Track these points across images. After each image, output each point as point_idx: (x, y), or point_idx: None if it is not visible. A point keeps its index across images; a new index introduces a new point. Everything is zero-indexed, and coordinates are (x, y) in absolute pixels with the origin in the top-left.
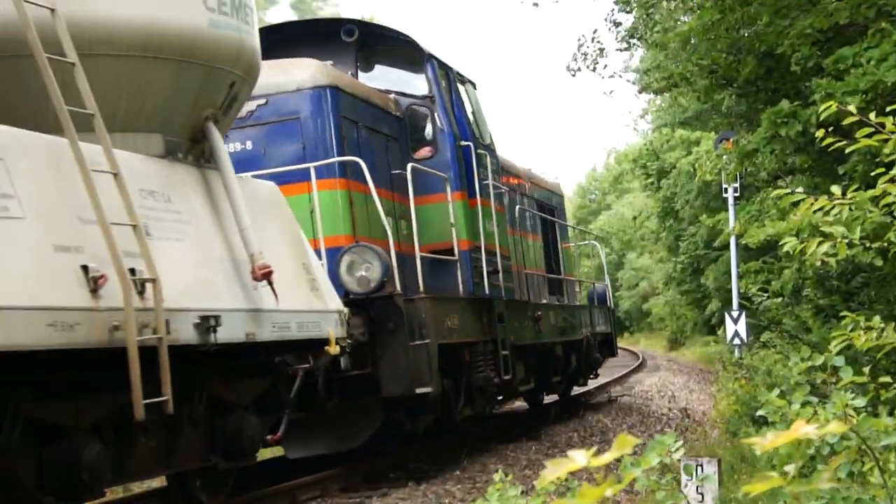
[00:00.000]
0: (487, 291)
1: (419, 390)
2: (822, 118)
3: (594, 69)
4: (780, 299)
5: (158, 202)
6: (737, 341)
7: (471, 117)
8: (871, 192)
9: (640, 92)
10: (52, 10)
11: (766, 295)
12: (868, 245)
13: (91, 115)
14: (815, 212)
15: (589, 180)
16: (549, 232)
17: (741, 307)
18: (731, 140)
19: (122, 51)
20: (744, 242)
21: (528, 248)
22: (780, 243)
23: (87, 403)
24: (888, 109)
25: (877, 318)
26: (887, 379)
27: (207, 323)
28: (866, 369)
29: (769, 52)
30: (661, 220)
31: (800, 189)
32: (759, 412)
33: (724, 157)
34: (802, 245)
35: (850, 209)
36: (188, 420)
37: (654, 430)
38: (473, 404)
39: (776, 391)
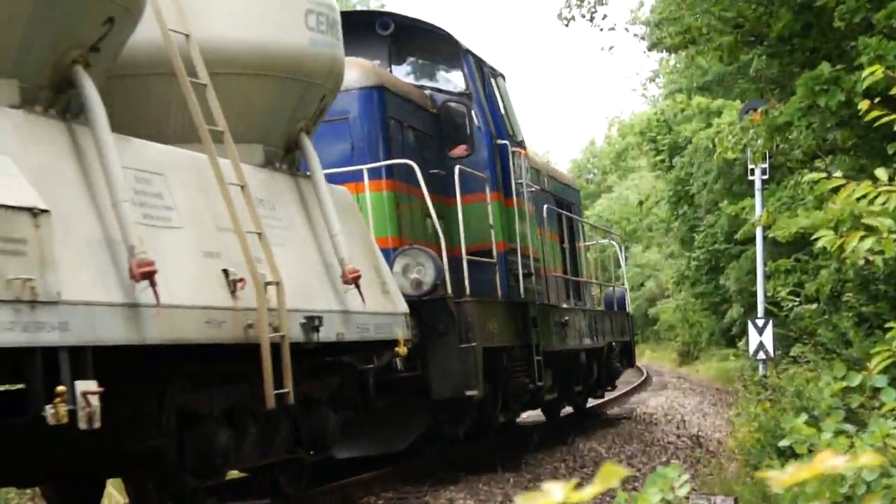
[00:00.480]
0: (523, 295)
1: (468, 393)
2: (865, 87)
3: (592, 19)
4: (814, 305)
5: (266, 210)
6: (761, 355)
7: (504, 113)
8: None
9: (649, 49)
10: (187, 36)
11: (797, 300)
12: None
13: (221, 132)
14: (857, 200)
15: (586, 156)
16: (567, 231)
17: (768, 314)
18: (760, 111)
19: (235, 69)
20: (772, 236)
21: (550, 248)
22: (814, 237)
23: (218, 393)
24: None
25: None
26: None
27: (312, 323)
28: None
29: (808, 4)
30: (672, 206)
31: (840, 172)
32: (783, 442)
33: (751, 130)
34: (842, 240)
35: None
36: (283, 413)
37: (659, 462)
38: (506, 411)
39: (804, 416)
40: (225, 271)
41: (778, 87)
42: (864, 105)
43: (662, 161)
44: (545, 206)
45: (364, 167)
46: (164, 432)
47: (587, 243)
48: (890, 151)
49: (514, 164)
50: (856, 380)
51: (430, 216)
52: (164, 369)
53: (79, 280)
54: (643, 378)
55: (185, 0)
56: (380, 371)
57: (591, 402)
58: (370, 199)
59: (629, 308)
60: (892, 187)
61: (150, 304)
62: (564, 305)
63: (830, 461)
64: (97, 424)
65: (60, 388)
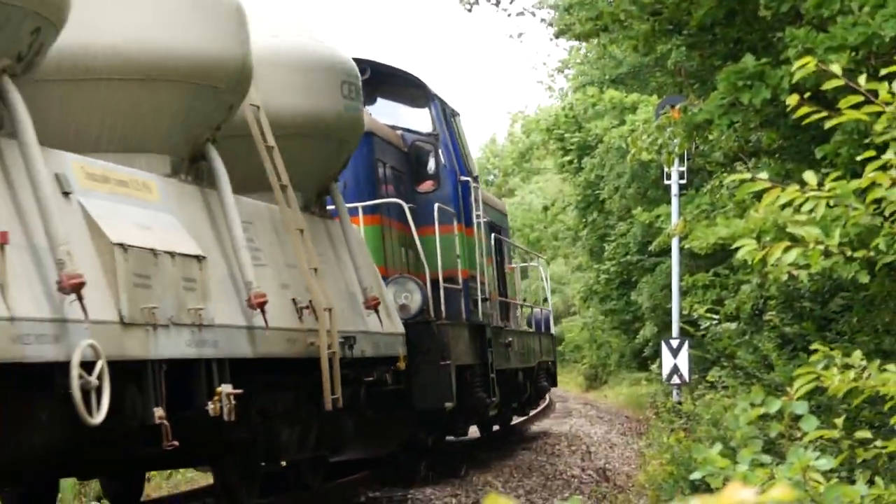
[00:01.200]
0: (481, 318)
1: (447, 405)
2: (796, 80)
3: (497, 2)
4: (734, 325)
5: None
6: (676, 380)
7: (463, 152)
8: (855, 183)
9: (557, 36)
10: (258, 107)
11: (716, 318)
12: (850, 254)
13: (286, 187)
14: (782, 207)
15: (486, 155)
16: (498, 254)
17: (683, 334)
18: (678, 107)
19: (287, 132)
20: (688, 247)
21: (489, 273)
22: (734, 247)
23: (280, 397)
24: (883, 72)
25: (857, 353)
26: (866, 434)
27: (349, 342)
28: (839, 420)
29: None
30: (581, 212)
31: (764, 175)
32: (695, 474)
33: (668, 129)
34: (764, 252)
35: (829, 205)
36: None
37: (560, 497)
38: (467, 423)
39: (718, 447)
40: (293, 300)
41: (698, 81)
42: (792, 100)
43: (570, 162)
44: (492, 235)
45: (359, 205)
46: (251, 427)
47: (514, 265)
48: (818, 155)
49: (472, 198)
50: (774, 406)
51: (406, 246)
52: (248, 377)
53: (221, 309)
54: (546, 404)
55: (256, 75)
56: (371, 384)
57: (475, 431)
58: (364, 232)
59: (553, 329)
60: (820, 193)
61: (261, 326)
62: (505, 327)
63: (740, 494)
64: (234, 418)
65: (219, 389)
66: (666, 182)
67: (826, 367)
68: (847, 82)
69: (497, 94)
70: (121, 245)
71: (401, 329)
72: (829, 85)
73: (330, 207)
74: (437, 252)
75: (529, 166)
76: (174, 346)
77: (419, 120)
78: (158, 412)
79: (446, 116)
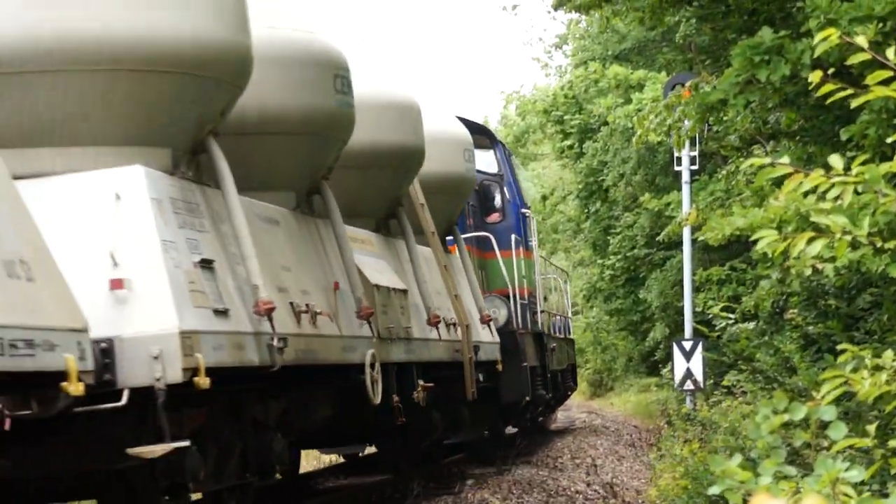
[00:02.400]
0: (541, 328)
1: (526, 398)
2: (818, 55)
3: None
4: (752, 324)
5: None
6: (689, 385)
7: (520, 187)
8: (885, 167)
9: (555, 8)
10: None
11: (732, 318)
12: (880, 245)
13: (433, 233)
14: (805, 194)
15: None
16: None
17: (697, 335)
18: (688, 85)
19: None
20: (702, 238)
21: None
22: (752, 240)
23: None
24: None
25: (888, 354)
26: None
27: (476, 350)
28: (871, 427)
29: None
30: (583, 202)
31: (785, 159)
32: (713, 489)
33: (677, 109)
34: (786, 243)
35: (857, 191)
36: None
37: None
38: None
39: (738, 458)
40: (442, 318)
41: (710, 57)
42: (815, 77)
43: (571, 147)
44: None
45: (462, 236)
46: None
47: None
48: (843, 136)
49: (530, 227)
50: (800, 412)
51: (481, 269)
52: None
53: (416, 326)
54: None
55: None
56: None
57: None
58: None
59: (572, 335)
60: (847, 179)
61: (435, 338)
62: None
63: None
64: (423, 403)
65: (420, 383)
66: (676, 168)
67: (855, 370)
68: (874, 56)
69: (489, 72)
70: (376, 286)
71: (498, 338)
72: (854, 59)
73: (451, 239)
74: (515, 273)
75: (526, 151)
76: (398, 353)
77: (486, 161)
78: (395, 398)
79: (507, 158)
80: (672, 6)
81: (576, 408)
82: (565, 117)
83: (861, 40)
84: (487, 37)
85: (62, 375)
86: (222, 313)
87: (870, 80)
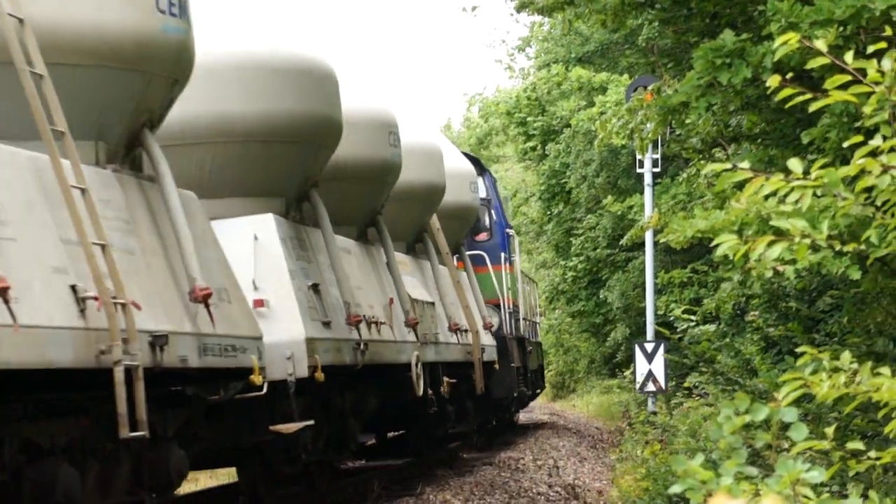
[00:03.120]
0: (522, 333)
1: (514, 393)
2: (778, 58)
3: None
4: (714, 326)
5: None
6: (651, 387)
7: (504, 209)
8: (844, 171)
9: (518, 10)
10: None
11: (693, 320)
12: (840, 248)
13: (447, 253)
14: (765, 197)
15: None
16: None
17: (658, 337)
18: (651, 88)
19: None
20: (664, 241)
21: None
22: (714, 243)
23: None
24: (871, 49)
25: (846, 356)
26: (859, 445)
27: (486, 350)
28: (830, 430)
29: None
30: (545, 203)
31: (745, 164)
32: (674, 488)
33: (640, 112)
34: (747, 247)
35: (816, 194)
36: None
37: None
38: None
39: (699, 458)
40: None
41: (672, 60)
42: (773, 81)
43: (533, 149)
44: None
45: (467, 254)
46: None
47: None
48: (804, 140)
49: (513, 244)
50: (761, 414)
51: (495, 283)
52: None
53: (442, 331)
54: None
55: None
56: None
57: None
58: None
59: (539, 338)
60: (807, 182)
61: (455, 342)
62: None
63: None
64: (447, 396)
65: (445, 379)
66: (639, 170)
67: (814, 372)
68: (833, 60)
69: (452, 75)
70: (415, 300)
71: (495, 342)
72: (813, 63)
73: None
74: (503, 286)
75: (489, 153)
76: (431, 354)
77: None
78: (430, 391)
79: (493, 184)
80: (634, 9)
81: (538, 409)
82: (528, 119)
83: (820, 44)
84: (450, 39)
85: (249, 371)
86: (327, 325)
87: (829, 84)
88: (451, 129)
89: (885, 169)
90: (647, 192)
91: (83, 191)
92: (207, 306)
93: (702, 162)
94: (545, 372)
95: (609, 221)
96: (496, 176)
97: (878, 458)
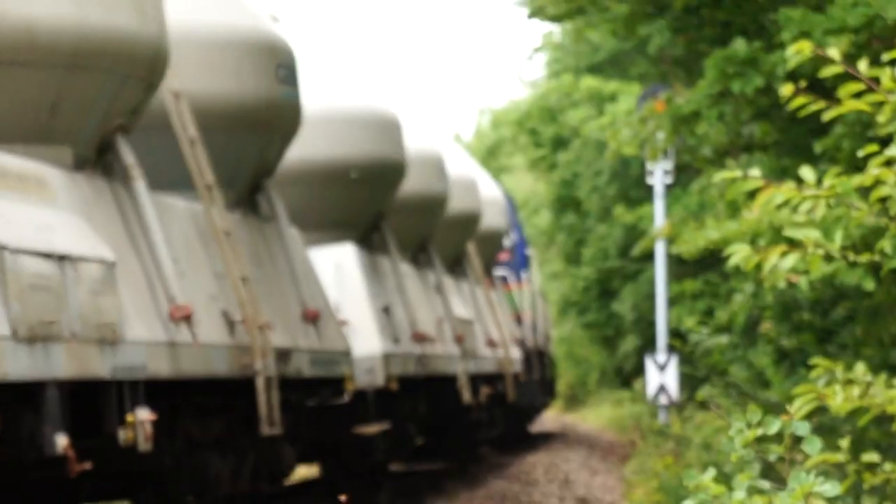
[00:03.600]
0: (541, 346)
1: (536, 404)
2: (791, 68)
3: None
4: (726, 338)
5: None
6: (663, 400)
7: (522, 231)
8: (858, 180)
9: (529, 17)
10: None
11: (706, 331)
12: (854, 259)
13: (482, 275)
14: (778, 207)
15: None
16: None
17: (671, 349)
18: (662, 97)
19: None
20: (675, 251)
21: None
22: (726, 254)
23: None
24: (884, 57)
25: (860, 368)
26: (874, 458)
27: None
28: (844, 442)
29: None
30: (556, 213)
31: (756, 172)
32: (685, 503)
33: (651, 121)
34: (759, 257)
35: (829, 204)
36: None
37: None
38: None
39: (710, 472)
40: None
41: (683, 69)
42: (786, 90)
43: (543, 158)
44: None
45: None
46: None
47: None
48: (817, 150)
49: (532, 263)
50: (774, 426)
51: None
52: None
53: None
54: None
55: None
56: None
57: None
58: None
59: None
60: (820, 192)
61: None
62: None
63: None
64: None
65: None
66: (649, 181)
67: (828, 384)
68: (847, 69)
69: (464, 88)
70: (459, 318)
71: (521, 355)
72: (827, 72)
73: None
74: (525, 302)
75: (498, 164)
76: (472, 366)
77: None
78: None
79: (513, 208)
80: (645, 17)
81: (550, 421)
82: (538, 128)
83: (834, 53)
84: (463, 53)
85: (342, 380)
86: (397, 341)
87: (842, 93)
88: (461, 139)
89: None
90: (659, 202)
91: (228, 233)
92: (316, 326)
93: (714, 172)
94: (556, 384)
95: (620, 232)
96: (507, 186)
97: (893, 472)
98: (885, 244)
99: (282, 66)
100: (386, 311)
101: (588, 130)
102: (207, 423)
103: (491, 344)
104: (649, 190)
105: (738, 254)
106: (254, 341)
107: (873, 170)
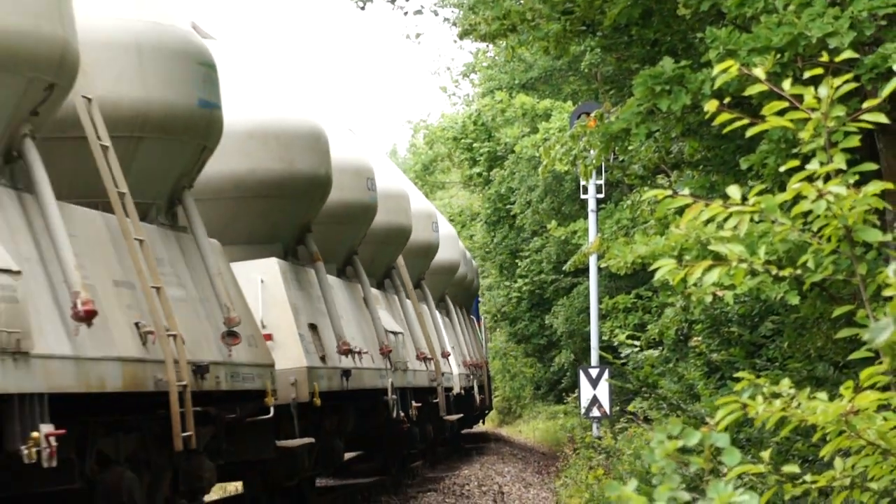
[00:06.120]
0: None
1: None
2: (717, 86)
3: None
4: (657, 352)
5: None
6: (595, 412)
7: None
8: (781, 197)
9: (461, 37)
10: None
11: (637, 345)
12: (777, 273)
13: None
14: (704, 223)
15: None
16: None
17: (603, 362)
18: (593, 115)
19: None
20: (605, 266)
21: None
22: (653, 268)
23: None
24: (806, 75)
25: (785, 381)
26: (794, 469)
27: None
28: (766, 454)
29: None
30: (490, 227)
31: (685, 191)
32: None
33: (583, 138)
34: (685, 272)
35: (754, 220)
36: None
37: None
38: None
39: (633, 483)
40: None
41: (614, 87)
42: (710, 106)
43: (479, 174)
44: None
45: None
46: None
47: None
48: (743, 166)
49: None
50: (693, 438)
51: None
52: None
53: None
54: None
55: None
56: None
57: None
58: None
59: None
60: (745, 208)
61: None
62: None
63: None
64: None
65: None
66: (583, 196)
67: (752, 397)
68: (771, 87)
69: (396, 102)
70: (388, 330)
71: (455, 370)
72: (752, 90)
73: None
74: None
75: (434, 179)
76: (401, 380)
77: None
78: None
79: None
80: (576, 36)
81: (483, 435)
82: (474, 145)
83: (759, 72)
84: (394, 67)
85: (263, 393)
86: (323, 355)
87: (766, 110)
88: (397, 155)
89: (821, 194)
90: (591, 218)
91: (141, 242)
92: (236, 338)
93: (644, 189)
94: (492, 397)
95: (553, 247)
96: (441, 202)
97: (813, 482)
98: (808, 258)
99: (204, 75)
100: (312, 325)
101: (522, 147)
102: (120, 440)
103: (422, 357)
104: (582, 205)
105: (664, 268)
106: (167, 353)
107: (795, 184)
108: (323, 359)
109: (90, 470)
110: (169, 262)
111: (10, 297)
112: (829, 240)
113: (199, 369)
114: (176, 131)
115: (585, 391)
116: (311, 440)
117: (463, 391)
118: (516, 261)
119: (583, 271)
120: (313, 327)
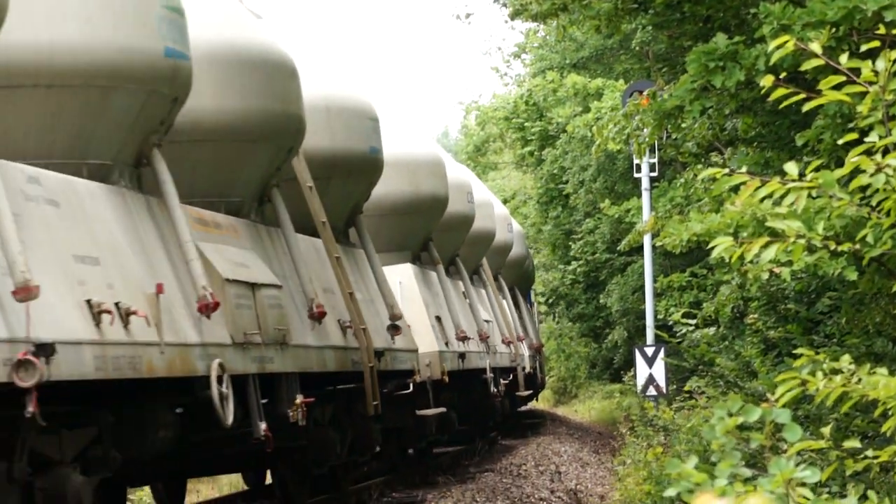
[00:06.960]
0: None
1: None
2: (773, 62)
3: None
4: (713, 330)
5: None
6: (651, 391)
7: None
8: (839, 172)
9: (512, 18)
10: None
11: (693, 323)
12: (835, 248)
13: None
14: (761, 200)
15: None
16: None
17: (658, 341)
18: (646, 93)
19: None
20: (660, 245)
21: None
22: (710, 246)
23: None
24: (863, 48)
25: (845, 357)
26: (855, 444)
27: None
28: (826, 430)
29: None
30: (542, 208)
31: (743, 168)
32: (668, 491)
33: (636, 117)
34: (742, 248)
35: (811, 196)
36: None
37: None
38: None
39: (693, 460)
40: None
41: (667, 64)
42: (766, 81)
43: (531, 153)
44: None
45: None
46: None
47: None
48: (799, 142)
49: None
50: (753, 414)
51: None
52: None
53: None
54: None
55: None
56: None
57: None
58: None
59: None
60: (802, 184)
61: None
62: None
63: None
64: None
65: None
66: (636, 174)
67: (811, 373)
68: (827, 61)
69: (448, 83)
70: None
71: (527, 352)
72: (808, 65)
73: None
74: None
75: (486, 161)
76: (494, 360)
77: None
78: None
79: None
80: (628, 14)
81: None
82: (526, 124)
83: (814, 46)
84: (445, 48)
85: (411, 373)
86: (446, 343)
87: (823, 85)
88: (448, 136)
89: (880, 168)
90: (645, 196)
91: (338, 258)
92: (397, 330)
93: (699, 167)
94: (546, 378)
95: (607, 226)
96: (493, 183)
97: (875, 457)
98: (867, 233)
99: (373, 128)
100: (437, 317)
101: (574, 127)
102: (325, 407)
103: (505, 342)
104: (636, 184)
105: (721, 245)
106: (361, 342)
107: (854, 158)
108: (447, 344)
109: (311, 429)
110: (350, 271)
111: (277, 304)
112: (888, 214)
113: (377, 354)
114: (352, 173)
115: (641, 370)
116: (444, 409)
117: (532, 370)
118: (569, 243)
119: (637, 250)
120: (438, 319)
